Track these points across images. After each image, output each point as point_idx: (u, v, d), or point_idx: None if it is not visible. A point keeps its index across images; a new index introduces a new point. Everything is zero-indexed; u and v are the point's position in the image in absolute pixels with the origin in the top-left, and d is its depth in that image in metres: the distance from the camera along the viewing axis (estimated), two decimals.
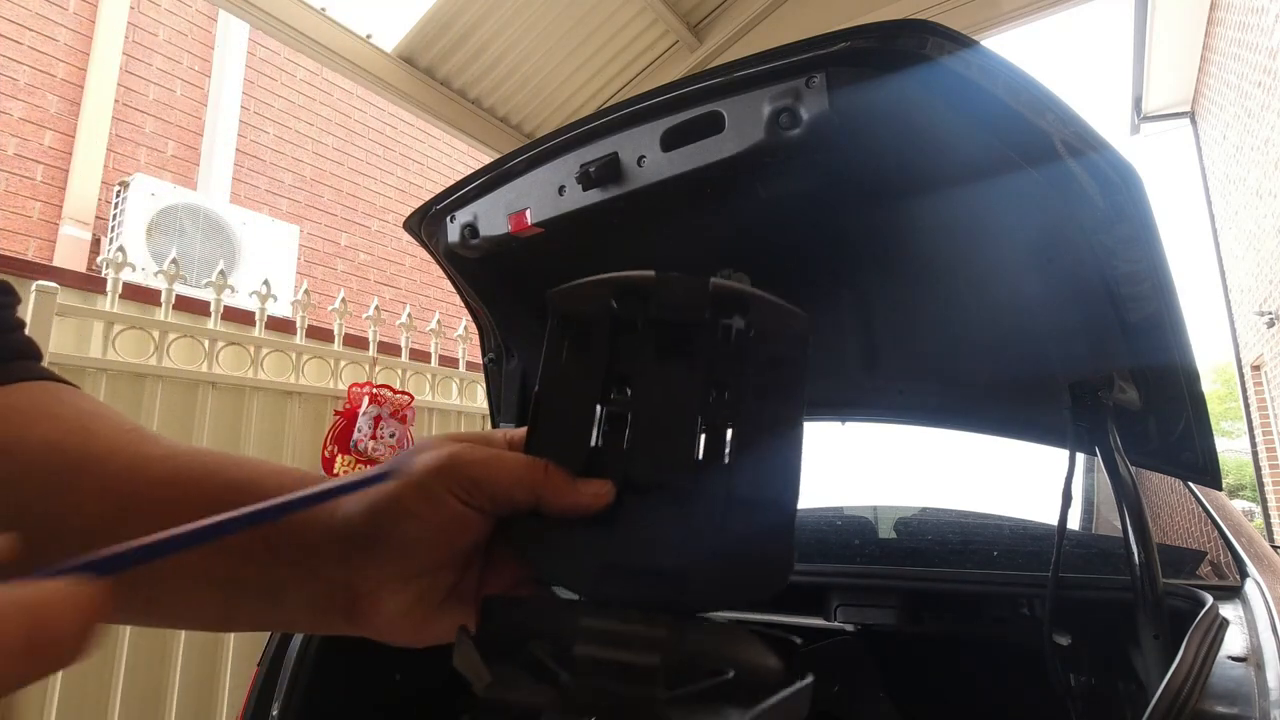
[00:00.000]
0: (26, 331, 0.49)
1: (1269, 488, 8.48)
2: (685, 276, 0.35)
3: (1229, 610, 0.93)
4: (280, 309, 2.93)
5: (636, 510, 0.30)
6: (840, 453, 1.86)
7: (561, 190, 0.88)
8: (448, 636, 0.31)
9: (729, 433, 0.32)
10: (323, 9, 2.70)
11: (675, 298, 0.35)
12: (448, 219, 1.01)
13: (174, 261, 2.52)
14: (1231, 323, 9.07)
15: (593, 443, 0.33)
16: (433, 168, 6.51)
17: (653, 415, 0.33)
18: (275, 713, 1.19)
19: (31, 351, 0.47)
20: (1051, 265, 0.85)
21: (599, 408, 0.33)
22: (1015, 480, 1.63)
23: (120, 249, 2.44)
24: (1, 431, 0.41)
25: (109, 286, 2.36)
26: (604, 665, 0.26)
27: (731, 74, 0.75)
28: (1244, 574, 1.13)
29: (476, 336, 1.20)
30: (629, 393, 0.34)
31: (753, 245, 1.02)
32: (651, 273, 0.35)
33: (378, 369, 2.94)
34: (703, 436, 0.32)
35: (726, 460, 0.32)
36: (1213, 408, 0.90)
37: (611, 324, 0.35)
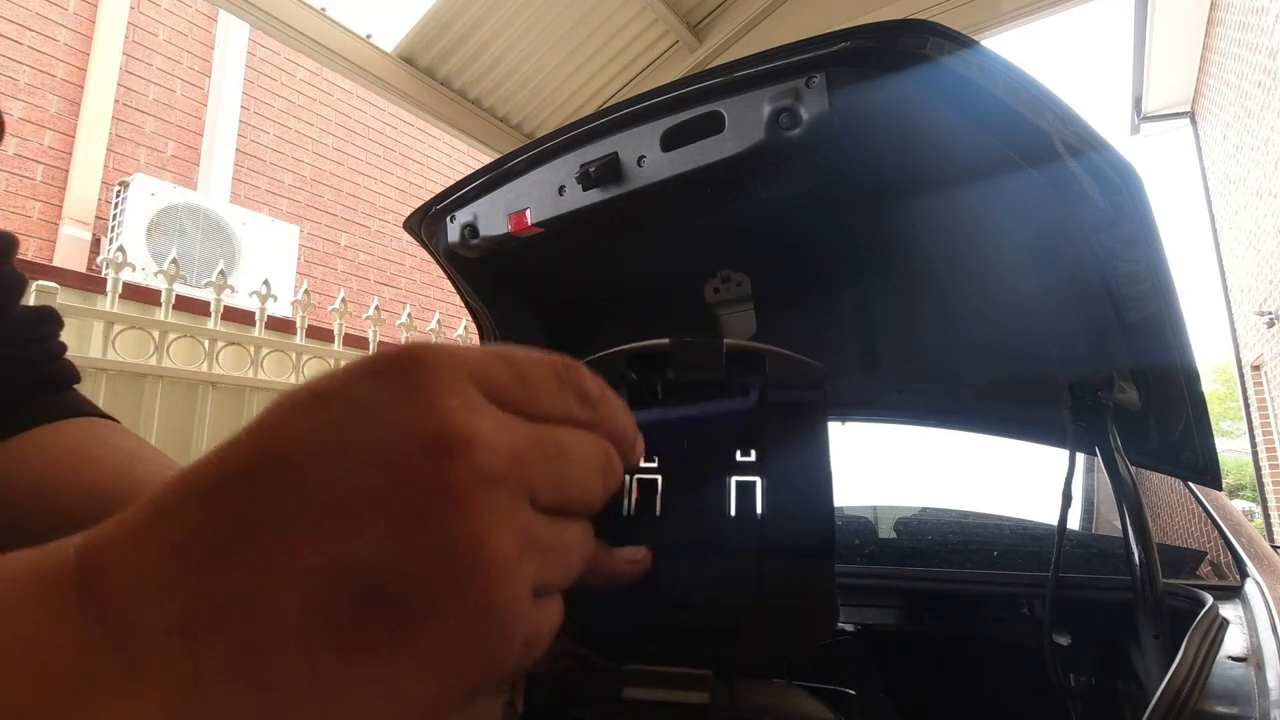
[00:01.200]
0: None
1: (1269, 488, 8.48)
2: (699, 340, 0.35)
3: (1229, 610, 0.93)
4: (280, 309, 2.93)
5: (677, 570, 0.30)
6: (841, 453, 1.86)
7: (561, 190, 0.88)
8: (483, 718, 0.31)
9: (759, 486, 0.32)
10: (323, 9, 2.70)
11: (691, 361, 0.35)
12: (448, 219, 1.01)
13: (174, 261, 2.52)
14: (1231, 323, 9.07)
15: (625, 512, 0.33)
16: (433, 168, 6.51)
17: (683, 478, 0.33)
18: None
19: (72, 377, 0.49)
20: (1051, 265, 0.85)
21: (628, 478, 0.33)
22: (1015, 480, 1.63)
23: (120, 249, 2.44)
24: (44, 475, 0.42)
25: (109, 286, 2.36)
26: (652, 707, 0.26)
27: (731, 74, 0.75)
28: (1244, 574, 1.13)
29: (476, 336, 1.20)
30: (657, 460, 0.34)
31: (753, 245, 1.02)
32: (666, 340, 0.36)
33: None
34: (733, 493, 0.32)
35: (759, 514, 0.32)
36: (1213, 408, 0.90)
37: (632, 393, 0.36)
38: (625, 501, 0.33)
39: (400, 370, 0.20)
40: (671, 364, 0.36)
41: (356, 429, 0.19)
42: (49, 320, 0.49)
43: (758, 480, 0.32)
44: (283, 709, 0.17)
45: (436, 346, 0.21)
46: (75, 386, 0.51)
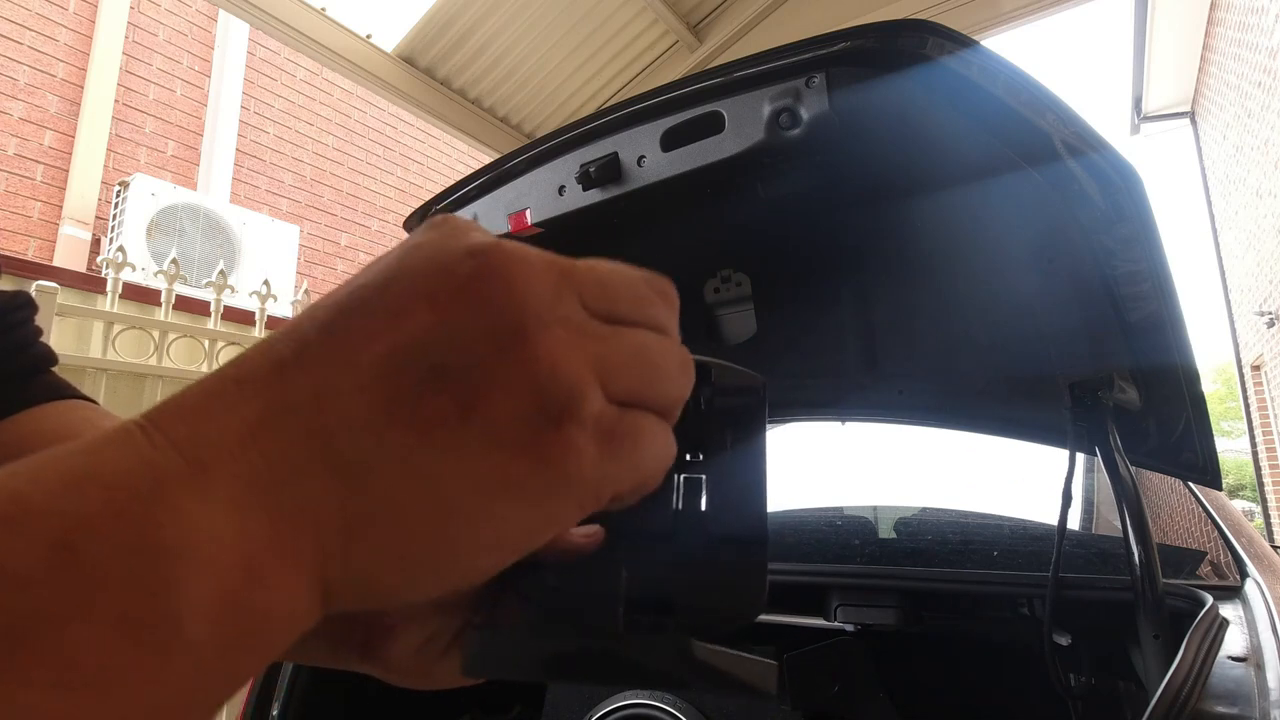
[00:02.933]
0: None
1: (1269, 488, 8.48)
2: None
3: (1229, 610, 0.93)
4: (280, 309, 2.93)
5: (626, 551, 0.34)
6: (840, 453, 1.86)
7: (561, 190, 0.88)
8: (453, 681, 0.32)
9: (703, 483, 0.36)
10: (323, 9, 2.70)
11: None
12: None
13: (174, 261, 2.52)
14: (1231, 323, 9.07)
15: None
16: (433, 168, 6.51)
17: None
18: (275, 712, 1.19)
19: (50, 359, 0.50)
20: (1052, 265, 0.85)
21: None
22: (1015, 480, 1.63)
23: (120, 249, 2.44)
24: None
25: (109, 286, 2.36)
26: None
27: (731, 74, 0.75)
28: (1244, 574, 1.13)
29: None
30: None
31: (753, 245, 1.02)
32: None
33: None
34: (680, 490, 0.36)
35: (703, 507, 0.36)
36: (1213, 408, 0.90)
37: None
38: None
39: (445, 219, 0.22)
40: None
41: (412, 254, 0.21)
42: (25, 305, 0.50)
43: (702, 477, 0.36)
44: (363, 488, 0.18)
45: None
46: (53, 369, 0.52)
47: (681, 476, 0.36)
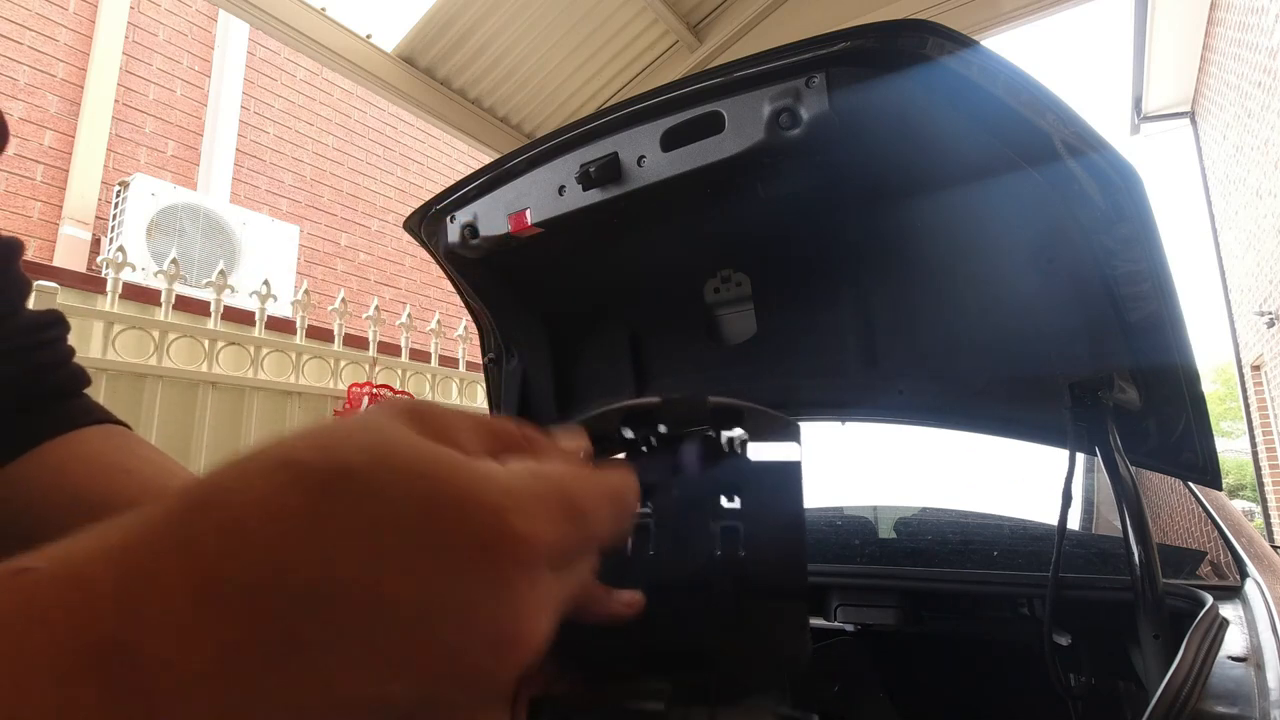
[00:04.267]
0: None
1: (1269, 488, 8.47)
2: (686, 397, 0.39)
3: (1229, 610, 0.93)
4: (280, 309, 2.93)
5: (666, 605, 0.33)
6: (840, 453, 1.86)
7: (561, 190, 0.88)
8: None
9: (740, 530, 0.35)
10: (323, 9, 2.69)
11: (679, 416, 0.38)
12: (448, 219, 1.01)
13: (174, 261, 2.52)
14: (1231, 323, 9.07)
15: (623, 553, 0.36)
16: (433, 168, 6.51)
17: (673, 522, 0.36)
18: None
19: (83, 381, 0.49)
20: (1052, 265, 0.85)
21: None
22: (1015, 480, 1.63)
23: (120, 249, 2.44)
24: (85, 488, 0.43)
25: (109, 286, 2.36)
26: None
27: (731, 74, 0.75)
28: (1244, 574, 1.13)
29: (476, 336, 1.20)
30: (650, 505, 0.37)
31: (753, 245, 1.02)
32: (657, 398, 0.39)
33: (378, 369, 2.94)
34: (718, 536, 0.35)
35: (741, 554, 0.35)
36: (1213, 408, 0.90)
37: (627, 446, 0.39)
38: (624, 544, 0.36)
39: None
40: (661, 419, 0.38)
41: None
42: (57, 324, 0.49)
43: (739, 526, 0.35)
44: None
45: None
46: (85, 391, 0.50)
47: (718, 525, 0.35)
